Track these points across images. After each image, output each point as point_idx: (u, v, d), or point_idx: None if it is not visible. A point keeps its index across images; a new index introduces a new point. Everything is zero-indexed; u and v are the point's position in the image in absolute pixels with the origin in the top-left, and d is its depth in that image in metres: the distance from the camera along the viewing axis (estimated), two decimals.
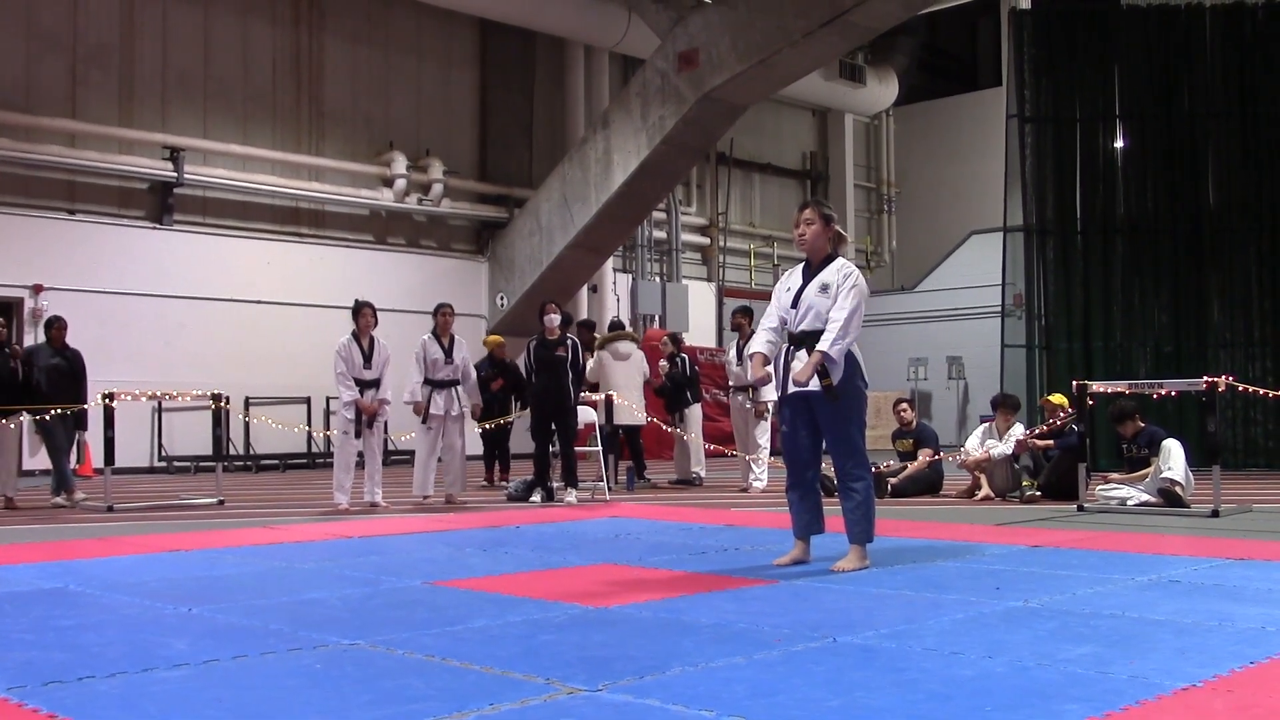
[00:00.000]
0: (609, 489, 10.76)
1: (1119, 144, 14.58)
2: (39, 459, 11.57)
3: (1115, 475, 9.27)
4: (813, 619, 4.07)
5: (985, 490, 9.95)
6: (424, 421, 10.09)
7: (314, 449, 16.62)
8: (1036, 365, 14.31)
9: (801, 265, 5.60)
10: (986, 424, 10.57)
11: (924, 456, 10.42)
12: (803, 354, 5.33)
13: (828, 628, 3.86)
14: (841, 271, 5.39)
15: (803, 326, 5.39)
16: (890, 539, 6.64)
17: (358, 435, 9.55)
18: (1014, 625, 3.92)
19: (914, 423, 10.94)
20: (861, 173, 26.50)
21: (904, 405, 11.03)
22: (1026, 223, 14.42)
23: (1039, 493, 9.60)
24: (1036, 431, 10.13)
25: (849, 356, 5.33)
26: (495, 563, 5.88)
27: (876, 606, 4.36)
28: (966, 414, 21.87)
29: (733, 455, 11.88)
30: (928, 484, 10.39)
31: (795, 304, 5.44)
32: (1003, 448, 9.93)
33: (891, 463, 10.72)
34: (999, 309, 15.26)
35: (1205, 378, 8.47)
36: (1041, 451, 9.80)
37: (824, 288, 5.35)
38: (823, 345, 5.23)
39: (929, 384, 22.86)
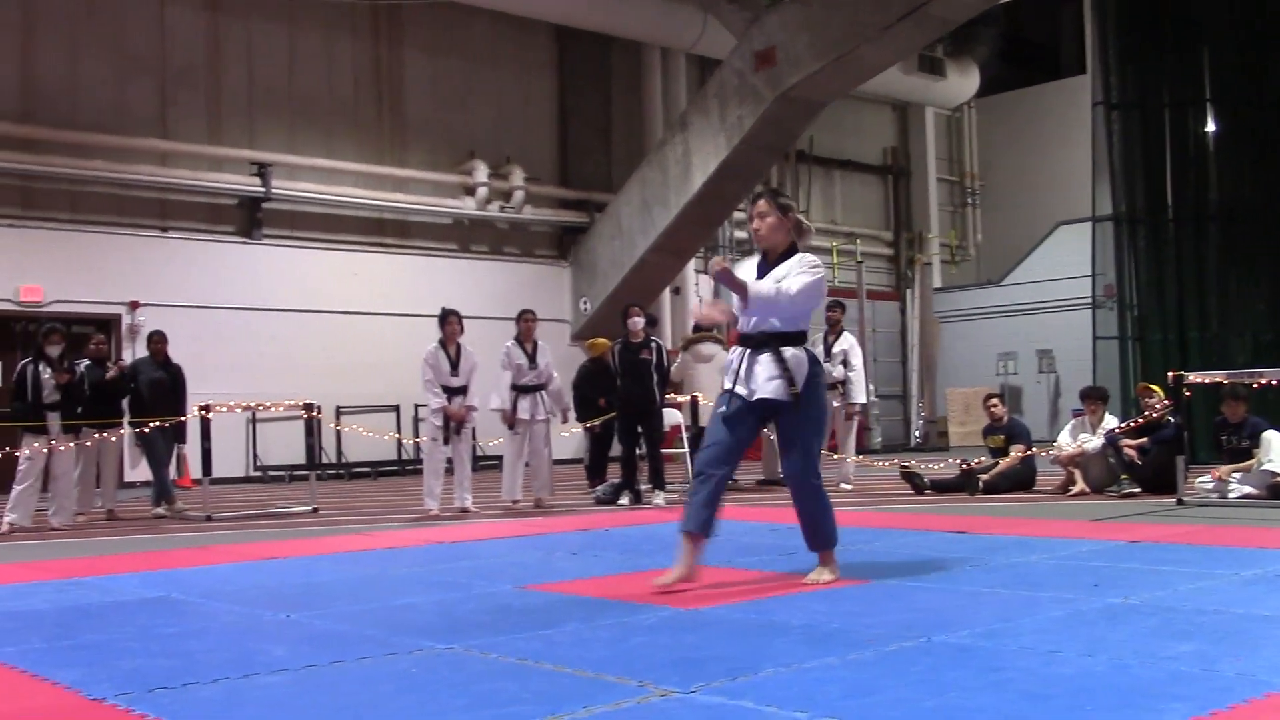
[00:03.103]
0: None
1: (1210, 128, 14.22)
2: (140, 471, 11.86)
3: (1222, 469, 9.03)
4: (906, 618, 4.02)
5: (1080, 485, 9.76)
6: (510, 427, 10.17)
7: (404, 456, 16.83)
8: (1129, 357, 14.01)
9: (756, 259, 5.14)
10: (1078, 418, 10.38)
11: (1016, 452, 10.26)
12: (764, 358, 4.89)
13: (921, 627, 3.81)
14: (802, 261, 4.98)
15: (762, 326, 4.94)
16: (983, 536, 6.56)
17: (446, 441, 9.67)
18: (1114, 622, 3.84)
19: (1005, 418, 10.77)
20: (944, 166, 26.16)
21: (994, 400, 10.87)
22: (1116, 212, 14.12)
23: (1138, 488, 9.40)
24: (1130, 425, 9.92)
25: (816, 361, 5.00)
26: (585, 566, 5.91)
27: (971, 605, 4.30)
28: (1058, 408, 21.46)
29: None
30: (1020, 480, 10.23)
31: (750, 304, 4.98)
32: (1096, 441, 9.75)
33: (983, 459, 10.57)
34: (1089, 301, 14.96)
35: None
36: (1134, 451, 9.57)
37: (776, 283, 4.93)
38: (756, 288, 4.88)
39: (1019, 378, 22.47)
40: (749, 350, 4.97)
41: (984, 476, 10.09)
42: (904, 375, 23.68)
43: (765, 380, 4.87)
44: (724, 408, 4.98)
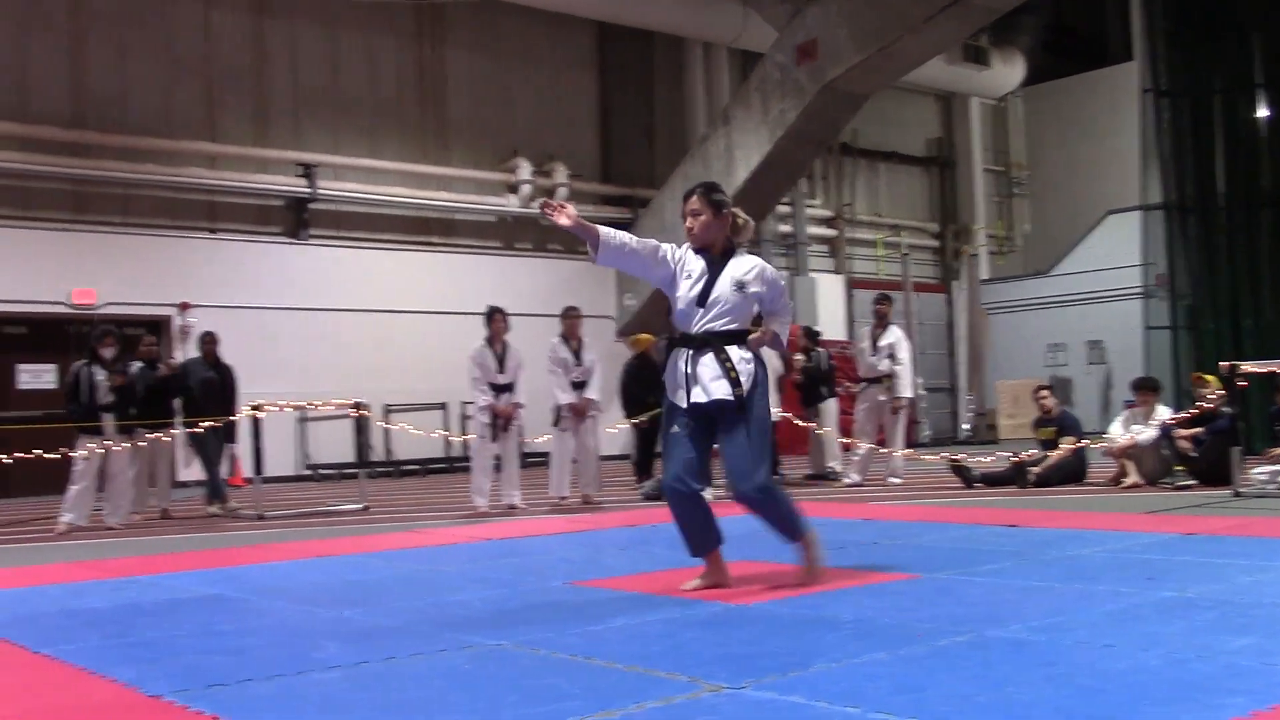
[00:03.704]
0: None
1: (1261, 114, 14.00)
2: (193, 470, 12.00)
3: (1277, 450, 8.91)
4: (957, 613, 4.00)
5: (1133, 478, 9.65)
6: (555, 424, 10.19)
7: (452, 453, 16.93)
8: (1181, 347, 13.83)
9: (688, 248, 4.86)
10: (1130, 409, 10.26)
11: (1067, 444, 10.16)
12: (708, 359, 4.65)
13: (973, 622, 3.79)
14: (759, 273, 4.78)
15: (712, 326, 4.71)
16: (1035, 530, 6.50)
17: (494, 439, 9.72)
18: (1169, 616, 3.80)
19: (1056, 410, 10.67)
20: (990, 156, 25.92)
21: (1044, 392, 10.77)
22: (1166, 200, 13.94)
23: (1192, 480, 9.28)
24: (1184, 415, 9.79)
25: (762, 362, 4.78)
26: (634, 562, 5.91)
27: (1023, 599, 4.26)
28: (1109, 399, 21.22)
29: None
30: (1072, 473, 10.13)
31: (703, 301, 4.74)
32: (1149, 433, 9.63)
33: (1033, 452, 10.47)
34: (1140, 290, 14.77)
35: None
36: (1189, 443, 9.45)
37: (739, 286, 4.72)
38: (776, 326, 4.85)
39: (1069, 370, 22.24)
40: (690, 351, 4.74)
41: (1035, 469, 10.01)
42: (951, 368, 23.51)
43: (710, 381, 4.65)
44: (675, 428, 4.75)
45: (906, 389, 11.25)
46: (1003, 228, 25.90)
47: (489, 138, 18.77)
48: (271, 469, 12.53)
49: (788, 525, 4.82)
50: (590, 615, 4.21)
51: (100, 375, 9.62)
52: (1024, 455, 10.27)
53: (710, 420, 4.72)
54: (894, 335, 11.29)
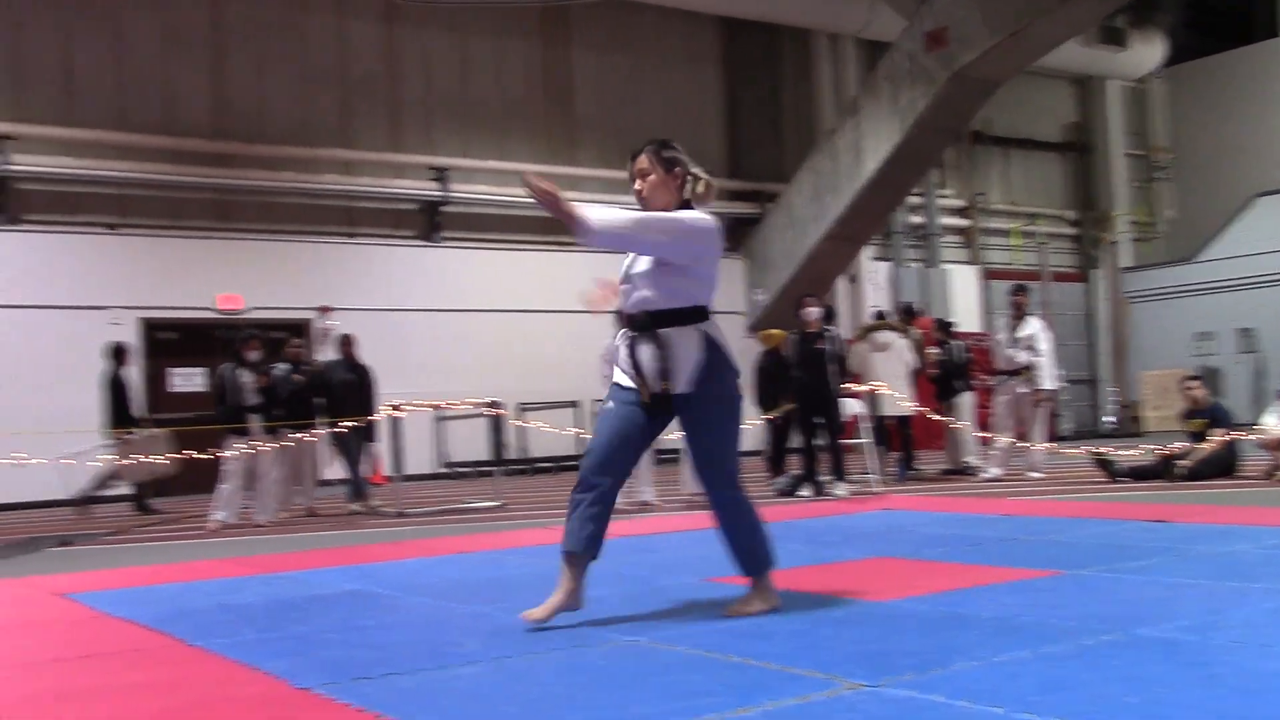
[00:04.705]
0: (879, 481, 10.61)
1: None
2: (335, 469, 12.32)
3: None
4: (1104, 611, 3.89)
5: None
6: None
7: (584, 451, 17.05)
8: None
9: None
10: None
11: (1218, 437, 9.80)
12: (647, 348, 4.10)
13: (1121, 620, 3.67)
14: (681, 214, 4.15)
15: (648, 306, 4.13)
16: (1184, 525, 6.29)
17: None
18: None
19: (1205, 401, 10.30)
20: (1130, 140, 25.09)
21: (1193, 383, 10.41)
22: None
23: None
24: None
25: (716, 345, 4.11)
26: None
27: (1173, 597, 4.12)
28: (1261, 389, 20.39)
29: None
30: (1223, 466, 9.76)
31: (628, 277, 4.21)
32: None
33: (1181, 444, 10.13)
34: None
35: None
36: None
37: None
38: (590, 211, 4.05)
39: (1218, 359, 21.42)
40: (633, 335, 4.18)
41: (1183, 462, 9.68)
42: (1093, 359, 22.86)
43: (651, 373, 4.09)
44: (610, 404, 4.20)
45: (1047, 381, 11.00)
46: (1144, 213, 25.05)
47: (616, 136, 18.86)
48: (410, 467, 12.80)
49: (757, 551, 4.18)
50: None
51: (246, 377, 9.95)
52: (1172, 448, 9.94)
53: (650, 413, 4.16)
54: (1032, 326, 11.04)
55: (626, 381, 4.17)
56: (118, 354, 11.83)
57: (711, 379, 4.08)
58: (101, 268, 14.65)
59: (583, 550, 4.11)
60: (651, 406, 4.13)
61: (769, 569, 4.20)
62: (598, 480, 4.12)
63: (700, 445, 4.17)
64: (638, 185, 4.24)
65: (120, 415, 11.52)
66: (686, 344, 4.08)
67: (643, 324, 4.13)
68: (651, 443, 4.31)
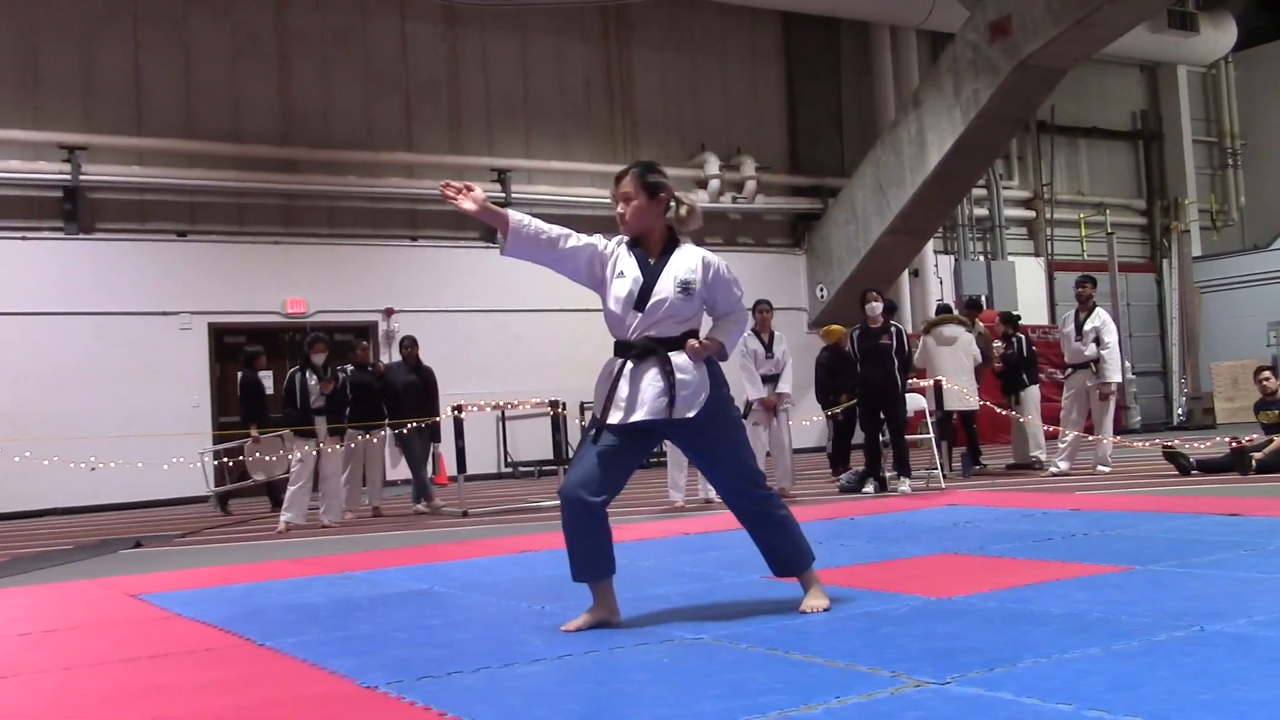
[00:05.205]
0: (944, 476, 10.50)
1: None
2: (400, 470, 12.45)
3: None
4: (1175, 606, 3.81)
5: None
6: (745, 417, 10.16)
7: None
8: None
9: (623, 241, 4.30)
10: None
11: None
12: (652, 372, 4.07)
13: (1193, 616, 3.60)
14: (706, 270, 4.16)
15: (654, 332, 4.12)
16: (1259, 519, 6.16)
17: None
18: None
19: (1279, 392, 10.09)
20: (1200, 127, 24.62)
21: (1267, 373, 10.20)
22: None
23: None
24: None
25: (715, 364, 4.21)
26: (832, 555, 5.84)
27: (1247, 592, 4.03)
28: None
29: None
30: None
31: (641, 304, 4.15)
32: None
33: (1255, 436, 9.92)
34: None
35: None
36: None
37: (685, 287, 4.11)
38: (724, 335, 4.18)
39: None
40: (630, 364, 4.15)
41: (1257, 455, 9.47)
42: (1163, 350, 22.45)
43: (653, 399, 4.06)
44: (596, 440, 4.14)
45: (1114, 373, 10.82)
46: (1216, 202, 24.56)
47: (677, 134, 18.87)
48: (474, 467, 12.89)
49: (794, 548, 4.23)
50: (789, 609, 4.17)
51: (312, 380, 10.07)
52: (1245, 440, 9.74)
53: (645, 440, 4.22)
54: (1099, 318, 10.87)
55: (612, 418, 4.12)
56: (251, 360, 12.09)
57: (715, 395, 4.16)
58: (171, 274, 14.90)
59: (596, 581, 4.13)
60: (636, 434, 4.14)
61: (809, 565, 4.26)
62: (592, 500, 4.09)
63: (729, 459, 4.20)
64: (620, 209, 4.25)
65: (255, 415, 11.75)
66: (698, 372, 4.12)
67: (649, 350, 4.12)
68: (637, 466, 4.36)
